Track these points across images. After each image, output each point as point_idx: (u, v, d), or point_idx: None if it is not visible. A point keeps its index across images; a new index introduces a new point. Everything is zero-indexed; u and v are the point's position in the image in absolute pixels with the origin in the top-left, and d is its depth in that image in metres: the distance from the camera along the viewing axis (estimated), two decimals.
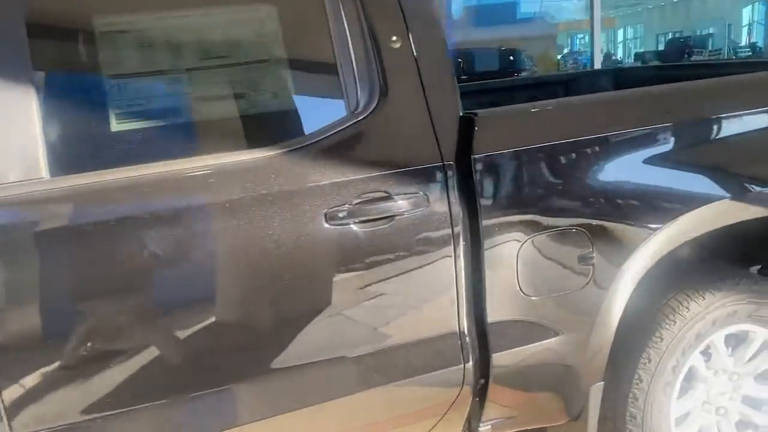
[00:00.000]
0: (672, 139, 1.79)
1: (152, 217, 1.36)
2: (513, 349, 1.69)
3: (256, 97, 1.52)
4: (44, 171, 1.29)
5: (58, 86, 1.42)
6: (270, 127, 1.56)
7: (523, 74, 7.57)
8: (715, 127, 1.85)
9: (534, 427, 1.87)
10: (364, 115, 1.52)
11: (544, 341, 1.71)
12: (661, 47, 19.39)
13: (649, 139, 1.76)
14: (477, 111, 1.65)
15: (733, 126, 1.86)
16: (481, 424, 1.76)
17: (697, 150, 1.83)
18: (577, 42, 20.47)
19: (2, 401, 1.28)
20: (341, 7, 1.51)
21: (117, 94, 1.44)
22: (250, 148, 1.44)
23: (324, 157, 1.47)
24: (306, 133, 1.51)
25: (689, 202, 1.77)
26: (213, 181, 1.39)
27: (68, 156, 1.37)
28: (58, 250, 1.33)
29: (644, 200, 1.75)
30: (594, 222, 1.69)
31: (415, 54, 1.57)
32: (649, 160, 1.76)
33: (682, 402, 1.95)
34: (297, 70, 1.60)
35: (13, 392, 1.30)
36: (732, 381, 2.01)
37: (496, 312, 1.66)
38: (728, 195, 1.81)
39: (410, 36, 1.58)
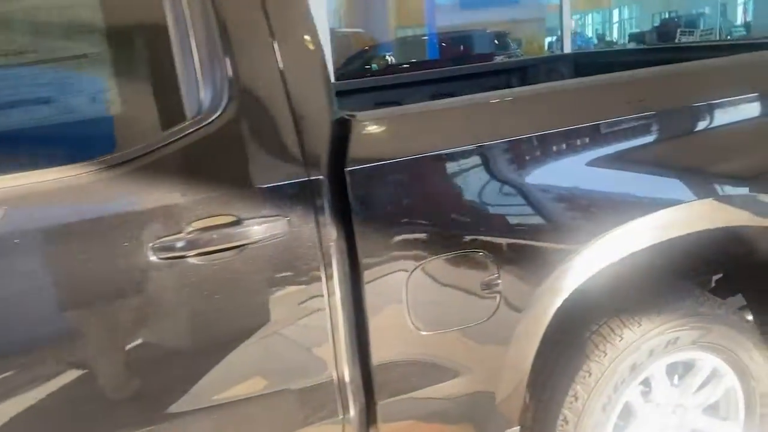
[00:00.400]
0: (597, 143, 1.51)
1: None
2: (404, 395, 1.43)
3: (65, 101, 1.24)
4: None
5: None
6: (81, 139, 1.28)
7: (500, 59, 7.22)
8: (651, 127, 1.57)
9: None
10: (207, 122, 1.24)
11: (443, 383, 1.46)
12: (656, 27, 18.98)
13: (570, 143, 1.49)
14: (356, 113, 1.38)
15: (671, 125, 1.59)
16: None
17: (630, 154, 1.56)
18: (574, 23, 20.07)
19: None
20: None
21: None
22: (51, 166, 1.16)
23: (151, 174, 1.20)
24: (129, 146, 1.22)
25: (620, 214, 1.51)
26: None
27: None
28: None
29: (563, 215, 1.48)
30: (499, 243, 1.42)
31: (275, 43, 1.30)
32: (570, 168, 1.50)
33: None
34: (121, 67, 1.32)
35: None
36: (677, 415, 1.75)
37: (382, 353, 1.39)
38: (670, 203, 1.54)
39: (269, 21, 1.30)
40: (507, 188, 1.43)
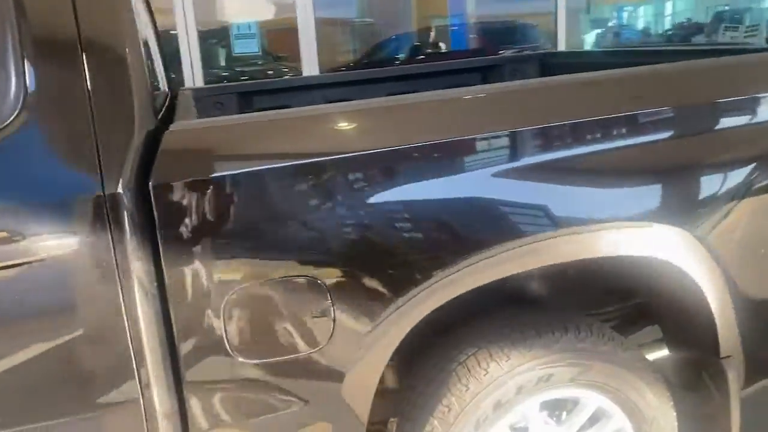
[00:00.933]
0: (455, 161, 1.38)
1: None
2: (228, 429, 1.34)
3: None
4: None
5: None
6: None
7: (519, 52, 6.94)
8: (518, 145, 1.43)
9: None
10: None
11: (271, 414, 1.36)
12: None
13: (410, 162, 1.36)
14: (176, 124, 1.29)
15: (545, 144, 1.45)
16: None
17: (494, 173, 1.42)
18: (624, 15, 19.36)
19: None
20: None
21: None
22: None
23: None
24: None
25: (483, 238, 1.38)
26: None
27: None
28: None
29: (406, 238, 1.36)
30: (332, 267, 1.31)
31: (81, 52, 1.21)
32: (412, 188, 1.37)
33: None
34: None
35: None
36: None
37: (196, 381, 1.30)
38: (541, 230, 1.40)
39: (79, 30, 1.21)
40: (338, 208, 1.32)
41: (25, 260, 1.16)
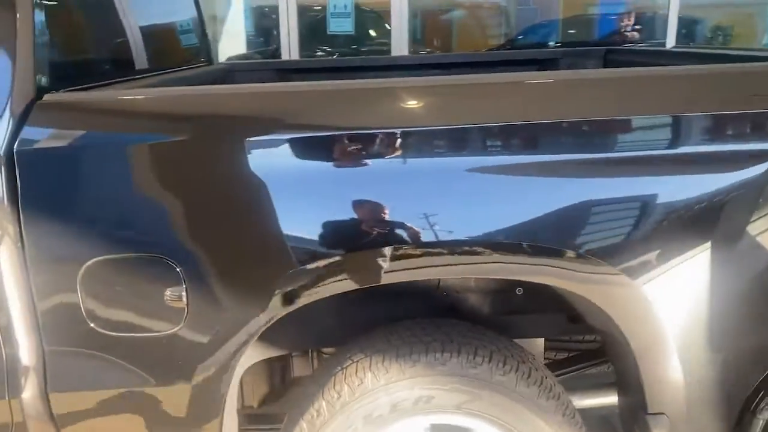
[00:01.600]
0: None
1: None
2: (80, 392, 1.39)
3: None
4: None
5: None
6: None
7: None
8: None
9: None
10: None
11: (125, 388, 1.38)
12: None
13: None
14: (49, 95, 1.33)
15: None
16: None
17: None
18: None
19: None
20: None
21: None
22: None
23: None
24: None
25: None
26: None
27: None
28: None
29: (257, 233, 1.31)
30: (185, 252, 1.30)
31: None
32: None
33: None
34: None
35: None
36: None
37: (55, 344, 1.35)
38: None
39: None
40: (193, 191, 1.29)
41: None
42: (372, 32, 4.74)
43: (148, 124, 1.33)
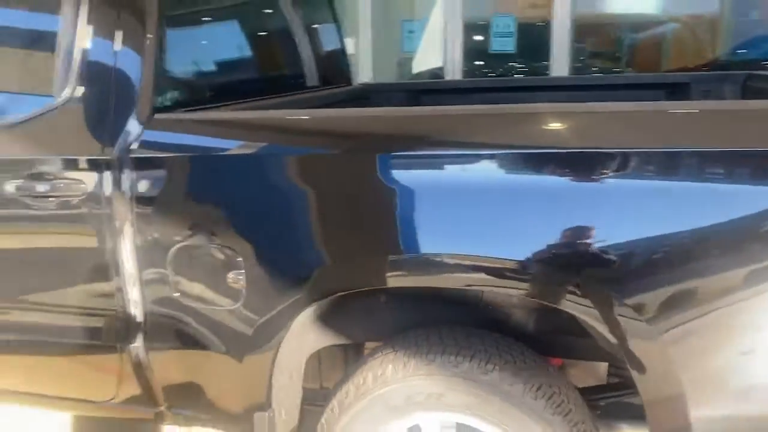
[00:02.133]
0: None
1: None
2: (170, 350, 1.75)
3: None
4: None
5: None
6: None
7: None
8: None
9: (215, 428, 1.87)
10: (55, 107, 1.74)
11: (199, 350, 1.72)
12: None
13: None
14: (161, 114, 1.70)
15: None
16: (165, 409, 1.86)
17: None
18: None
19: None
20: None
21: None
22: None
23: (14, 136, 1.77)
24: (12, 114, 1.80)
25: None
26: None
27: None
28: None
29: (304, 235, 1.56)
30: (246, 245, 1.59)
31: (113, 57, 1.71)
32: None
33: None
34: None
35: None
36: None
37: (153, 308, 1.73)
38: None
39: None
40: (259, 198, 1.58)
41: (51, 194, 1.71)
42: (534, 51, 4.80)
43: (228, 137, 1.65)
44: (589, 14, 5.28)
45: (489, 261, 1.42)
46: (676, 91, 2.78)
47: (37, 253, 1.81)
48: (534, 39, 4.69)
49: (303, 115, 1.75)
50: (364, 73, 5.63)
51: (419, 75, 5.37)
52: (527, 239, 1.39)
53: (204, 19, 2.27)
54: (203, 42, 2.21)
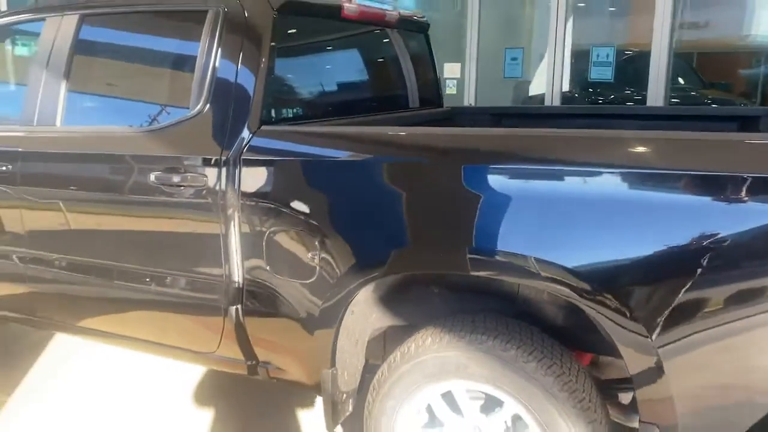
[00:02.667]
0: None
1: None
2: (261, 314, 2.20)
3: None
4: None
5: None
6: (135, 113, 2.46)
7: None
8: None
9: (293, 380, 2.29)
10: (190, 117, 2.26)
11: (282, 315, 2.15)
12: None
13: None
14: (264, 127, 2.16)
15: None
16: (255, 362, 2.32)
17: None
18: None
19: None
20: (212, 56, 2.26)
21: None
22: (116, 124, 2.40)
23: (158, 138, 2.30)
24: (158, 121, 2.34)
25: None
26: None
27: None
28: None
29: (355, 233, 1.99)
30: (318, 230, 2.01)
31: (234, 80, 2.21)
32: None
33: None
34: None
35: None
36: None
37: (249, 279, 2.19)
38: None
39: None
40: (340, 193, 2.01)
41: (179, 184, 2.22)
42: (632, 80, 4.96)
43: (317, 146, 2.08)
44: (710, 43, 5.30)
45: (545, 264, 1.70)
46: (747, 124, 2.93)
47: (167, 230, 2.33)
48: (633, 69, 4.85)
49: (388, 131, 2.17)
50: (468, 97, 6.00)
51: (524, 100, 5.65)
52: (579, 250, 1.68)
53: (309, 48, 2.74)
54: (308, 67, 2.68)
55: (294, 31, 2.44)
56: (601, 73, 5.04)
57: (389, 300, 2.17)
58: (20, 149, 2.59)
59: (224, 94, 2.21)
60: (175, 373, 3.16)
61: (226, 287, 2.23)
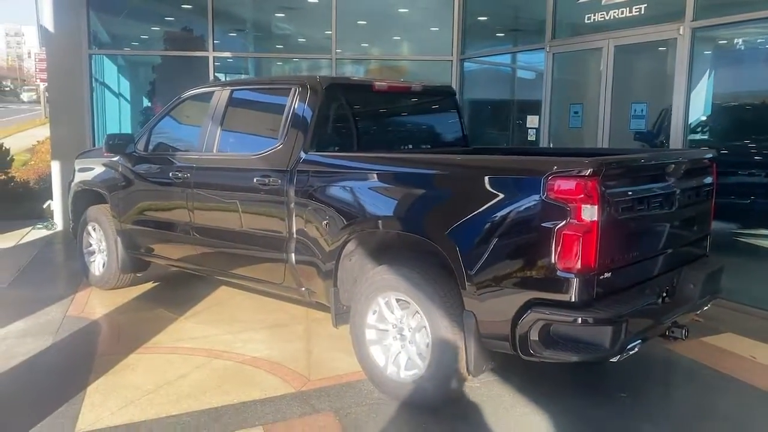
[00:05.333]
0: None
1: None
2: (303, 258, 3.93)
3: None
4: None
5: None
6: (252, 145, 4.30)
7: None
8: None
9: (321, 301, 3.96)
10: (276, 147, 4.08)
11: (313, 258, 3.86)
12: None
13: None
14: (309, 155, 3.92)
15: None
16: (303, 288, 4.04)
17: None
18: None
19: None
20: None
21: None
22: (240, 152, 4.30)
23: (260, 159, 4.15)
24: (261, 150, 4.19)
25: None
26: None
27: None
28: None
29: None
30: (332, 208, 3.71)
31: (299, 125, 4.01)
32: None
33: (376, 324, 3.59)
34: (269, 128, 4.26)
35: None
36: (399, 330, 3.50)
37: (297, 239, 3.93)
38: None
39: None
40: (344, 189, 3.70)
41: (266, 185, 4.04)
42: (661, 131, 6.03)
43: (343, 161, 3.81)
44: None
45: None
46: None
47: (260, 211, 4.15)
48: (662, 121, 5.95)
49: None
50: (543, 142, 7.35)
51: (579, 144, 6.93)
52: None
53: (347, 109, 4.47)
54: (343, 120, 4.43)
55: (335, 100, 4.19)
56: (638, 124, 6.20)
57: (365, 249, 3.77)
58: (194, 165, 4.60)
59: (293, 134, 4.01)
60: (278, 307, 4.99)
61: (287, 242, 3.98)
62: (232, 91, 4.57)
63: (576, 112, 7.00)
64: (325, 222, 3.73)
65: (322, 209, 3.76)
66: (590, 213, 2.79)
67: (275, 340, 4.44)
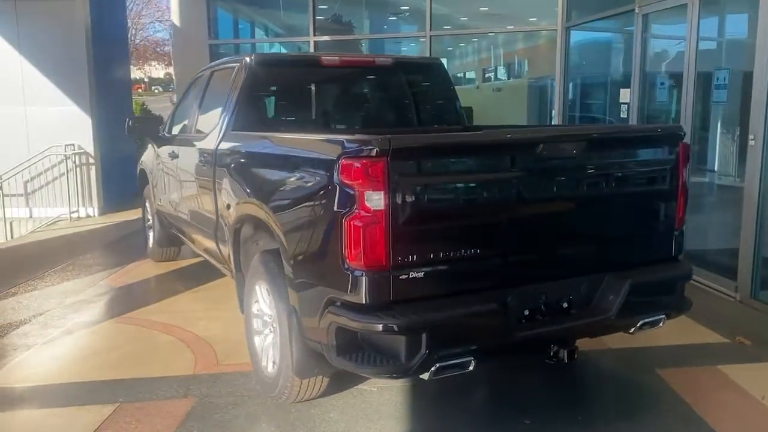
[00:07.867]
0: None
1: None
2: (220, 238, 3.86)
3: None
4: None
5: None
6: None
7: None
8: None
9: None
10: (213, 129, 4.05)
11: (222, 238, 3.78)
12: None
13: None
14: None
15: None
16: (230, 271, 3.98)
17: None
18: None
19: None
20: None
21: None
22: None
23: (204, 142, 4.15)
24: (208, 131, 4.17)
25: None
26: None
27: None
28: None
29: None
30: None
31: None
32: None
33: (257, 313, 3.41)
34: None
35: None
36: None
37: (217, 222, 3.88)
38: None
39: None
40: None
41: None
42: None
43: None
44: None
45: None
46: None
47: (203, 194, 4.15)
48: (743, 90, 4.78)
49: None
50: (633, 119, 6.35)
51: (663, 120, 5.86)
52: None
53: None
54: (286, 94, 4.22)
55: (267, 78, 4.02)
56: (719, 95, 5.06)
57: (251, 232, 3.55)
58: (177, 148, 4.74)
59: (225, 114, 3.94)
60: None
61: (215, 223, 3.94)
62: (211, 73, 4.61)
63: (662, 83, 5.90)
64: (227, 203, 3.62)
65: (226, 190, 3.65)
66: (377, 200, 2.34)
67: (232, 321, 4.42)
